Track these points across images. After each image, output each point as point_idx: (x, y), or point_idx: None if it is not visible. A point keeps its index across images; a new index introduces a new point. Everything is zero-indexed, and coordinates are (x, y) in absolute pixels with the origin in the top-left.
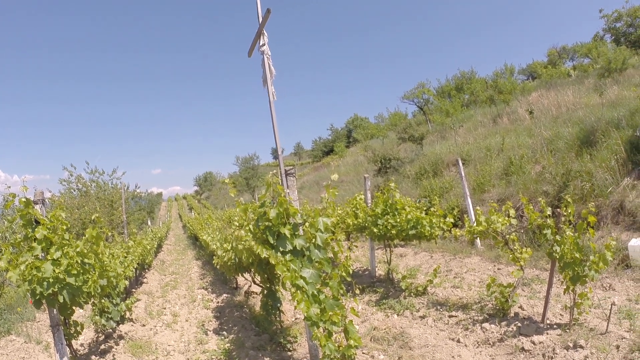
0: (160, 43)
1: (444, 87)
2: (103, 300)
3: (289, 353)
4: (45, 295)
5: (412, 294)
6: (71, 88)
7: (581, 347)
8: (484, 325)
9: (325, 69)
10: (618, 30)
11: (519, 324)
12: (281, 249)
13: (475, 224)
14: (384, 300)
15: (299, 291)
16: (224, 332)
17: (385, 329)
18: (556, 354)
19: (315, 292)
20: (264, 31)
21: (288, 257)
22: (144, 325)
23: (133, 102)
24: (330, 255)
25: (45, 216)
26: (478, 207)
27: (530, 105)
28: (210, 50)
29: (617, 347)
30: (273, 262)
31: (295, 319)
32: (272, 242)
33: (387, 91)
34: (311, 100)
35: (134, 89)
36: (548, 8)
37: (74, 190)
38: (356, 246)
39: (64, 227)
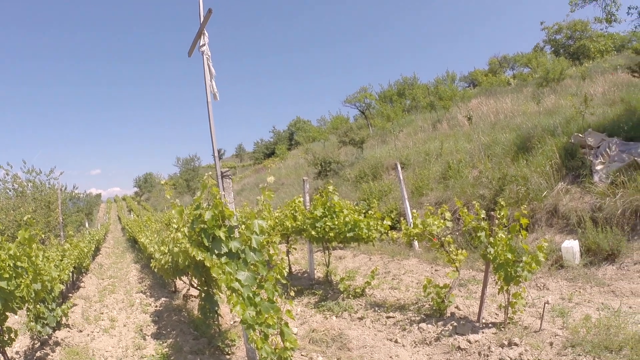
0: (97, 41)
1: (386, 92)
2: (38, 306)
3: (227, 357)
4: None
5: (350, 295)
6: (9, 89)
7: (516, 344)
8: (421, 325)
9: (270, 71)
10: (558, 42)
11: (455, 324)
12: (216, 252)
13: (412, 227)
14: (322, 303)
15: (234, 294)
16: (162, 337)
17: (324, 331)
18: (491, 352)
19: (251, 295)
20: (205, 31)
21: (223, 259)
22: (81, 331)
23: (72, 101)
24: (266, 257)
25: None
26: (414, 210)
27: (470, 111)
28: (151, 49)
29: (551, 343)
30: (208, 265)
31: (234, 322)
32: (207, 244)
33: (331, 95)
34: (254, 102)
35: (72, 89)
36: (492, 18)
37: (10, 190)
38: (295, 249)
39: None
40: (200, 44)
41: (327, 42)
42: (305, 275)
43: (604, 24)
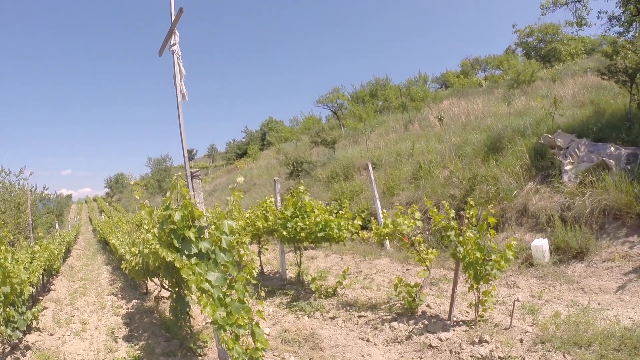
0: (66, 39)
1: (359, 92)
2: (7, 309)
3: (199, 358)
4: None
5: (322, 295)
6: None
7: (486, 341)
8: (392, 324)
9: (242, 71)
10: (529, 45)
11: (427, 322)
12: (186, 253)
13: (382, 226)
14: (294, 303)
15: (204, 295)
16: (134, 339)
17: (296, 331)
18: (462, 349)
19: (221, 296)
20: (176, 30)
21: (193, 260)
22: (52, 335)
23: (42, 100)
24: (237, 258)
25: None
26: (385, 210)
27: (441, 112)
28: (122, 48)
29: (521, 340)
30: (178, 266)
31: (206, 323)
32: (177, 245)
33: (304, 95)
34: (227, 102)
35: (42, 87)
36: (464, 21)
37: None
38: (267, 249)
39: None
40: (171, 44)
41: (300, 42)
42: (277, 275)
43: (575, 28)
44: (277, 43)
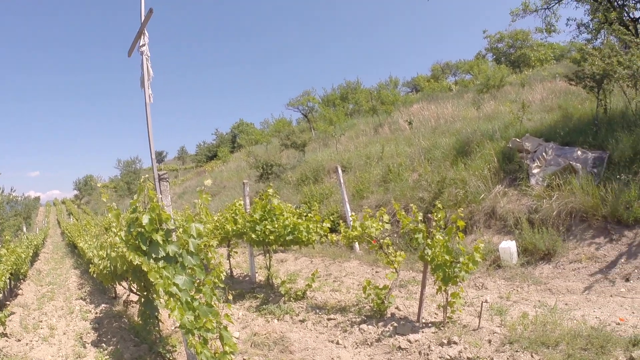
0: (33, 37)
1: (329, 96)
2: None
3: None
4: None
5: (291, 298)
6: None
7: (455, 343)
8: (362, 326)
9: (214, 72)
10: (499, 50)
11: (396, 324)
12: (154, 256)
13: (351, 229)
14: (264, 306)
15: (172, 298)
16: (103, 344)
17: (265, 334)
18: (431, 350)
19: (189, 299)
20: (145, 31)
21: (161, 263)
22: (19, 340)
23: (8, 99)
24: (205, 261)
25: None
26: (353, 213)
27: (411, 116)
28: (89, 47)
29: (489, 341)
30: (146, 270)
31: (175, 327)
32: (144, 248)
33: (275, 97)
34: (198, 104)
35: (7, 84)
36: (436, 25)
37: None
38: (236, 252)
39: None
40: (140, 44)
41: (273, 45)
42: (247, 278)
43: (544, 34)
44: (248, 45)
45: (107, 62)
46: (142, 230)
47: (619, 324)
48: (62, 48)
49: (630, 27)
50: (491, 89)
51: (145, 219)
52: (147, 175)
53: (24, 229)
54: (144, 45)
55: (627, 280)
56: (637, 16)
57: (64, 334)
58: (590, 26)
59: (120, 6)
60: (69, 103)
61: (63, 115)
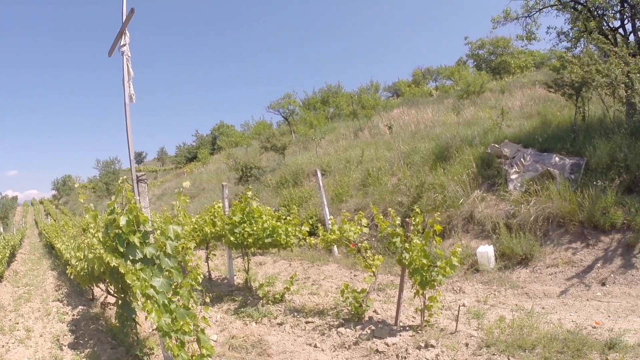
0: (13, 34)
1: (310, 99)
2: None
3: None
4: None
5: (270, 301)
6: None
7: (432, 346)
8: (339, 329)
9: (195, 73)
10: (480, 57)
11: (373, 328)
12: (131, 258)
13: (329, 233)
14: (242, 309)
15: (149, 301)
16: (80, 347)
17: (243, 337)
18: (409, 354)
19: (166, 302)
20: (127, 31)
21: (138, 265)
22: None
23: None
24: (182, 263)
25: None
26: (332, 217)
27: (391, 120)
28: (69, 44)
29: (466, 344)
30: (123, 271)
31: (152, 330)
32: (122, 250)
33: (256, 100)
34: (178, 105)
35: None
36: (418, 31)
37: None
38: (215, 255)
39: None
40: (121, 44)
41: (254, 46)
42: (225, 281)
43: (525, 42)
44: (231, 47)
45: (88, 60)
46: (120, 231)
47: (595, 327)
48: (41, 44)
49: (610, 37)
50: (471, 95)
51: (122, 221)
52: (125, 177)
53: (1, 229)
54: (124, 45)
55: (603, 284)
56: (616, 26)
57: (41, 336)
58: (570, 35)
59: (102, 4)
60: (48, 101)
61: (42, 114)
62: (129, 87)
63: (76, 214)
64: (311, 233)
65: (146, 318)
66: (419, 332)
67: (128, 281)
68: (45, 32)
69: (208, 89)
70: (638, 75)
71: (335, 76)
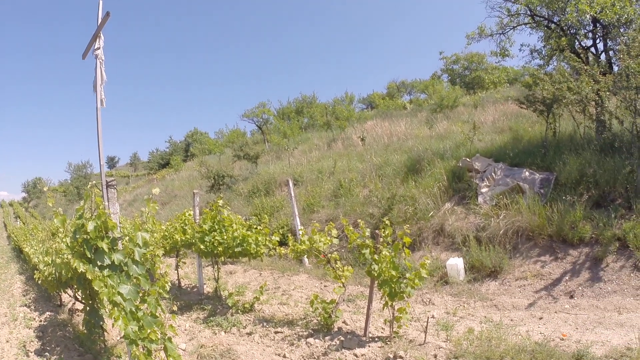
0: None
1: (285, 109)
2: None
3: None
4: None
5: (239, 311)
6: None
7: (401, 357)
8: (308, 340)
9: (170, 79)
10: (454, 72)
11: (342, 338)
12: (99, 264)
13: (300, 243)
14: (211, 318)
15: (116, 308)
16: (47, 354)
17: (212, 347)
18: None
19: (134, 309)
20: (101, 34)
21: (106, 272)
22: None
23: None
24: (151, 271)
25: None
26: (302, 227)
27: (364, 132)
28: (40, 49)
29: (435, 356)
30: (90, 277)
31: (120, 337)
32: (89, 256)
33: (231, 108)
34: (153, 110)
35: None
36: (393, 45)
37: None
38: (185, 263)
39: None
40: (95, 47)
41: (230, 54)
42: (195, 290)
43: (499, 58)
44: (207, 51)
45: (61, 62)
46: (88, 237)
47: (562, 339)
48: (12, 44)
49: (582, 55)
50: (445, 109)
51: (90, 226)
52: (94, 182)
53: None
54: (98, 48)
55: (571, 297)
56: (588, 44)
57: (7, 342)
58: (543, 52)
59: (76, 7)
60: (20, 102)
61: (14, 115)
62: (101, 91)
63: (46, 217)
64: (282, 243)
65: (113, 325)
66: (388, 343)
67: (95, 288)
68: (17, 31)
69: (183, 96)
70: (608, 93)
71: (311, 87)
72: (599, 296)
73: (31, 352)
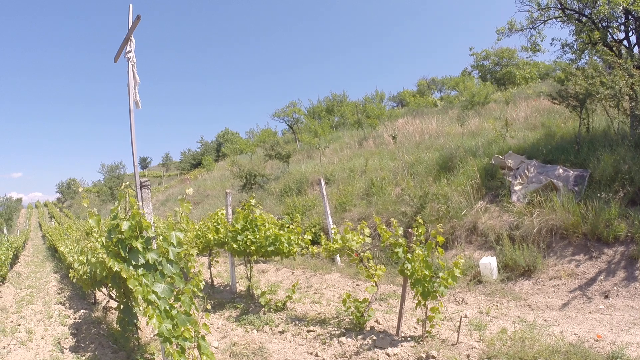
0: (19, 34)
1: (315, 107)
2: None
3: None
4: None
5: (271, 309)
6: None
7: (433, 357)
8: (341, 339)
9: (202, 80)
10: (485, 68)
11: (375, 338)
12: (133, 263)
13: (332, 242)
14: (244, 316)
15: (150, 306)
16: (81, 350)
17: (244, 345)
18: None
19: (168, 308)
20: (132, 38)
21: (140, 271)
22: None
23: None
24: (184, 270)
25: None
26: (334, 226)
27: (395, 130)
28: (77, 51)
29: (467, 356)
30: (125, 276)
31: (154, 335)
32: (124, 255)
33: (262, 107)
34: (184, 111)
35: None
36: (424, 41)
37: None
38: (217, 261)
39: None
40: (127, 50)
41: (261, 54)
42: (228, 288)
43: (530, 53)
44: (238, 54)
45: (95, 65)
46: (122, 237)
47: (597, 340)
48: (48, 49)
49: (614, 48)
50: (476, 105)
51: (125, 226)
52: (128, 182)
53: (5, 231)
54: (130, 51)
55: (606, 297)
56: (620, 37)
57: (42, 338)
58: (575, 46)
59: (109, 10)
60: (54, 104)
61: (48, 117)
62: (135, 93)
63: (80, 217)
64: (314, 242)
65: (147, 323)
66: (421, 343)
67: (130, 286)
68: (53, 37)
69: (214, 96)
70: None
71: (341, 85)
72: (634, 296)
73: (66, 349)
